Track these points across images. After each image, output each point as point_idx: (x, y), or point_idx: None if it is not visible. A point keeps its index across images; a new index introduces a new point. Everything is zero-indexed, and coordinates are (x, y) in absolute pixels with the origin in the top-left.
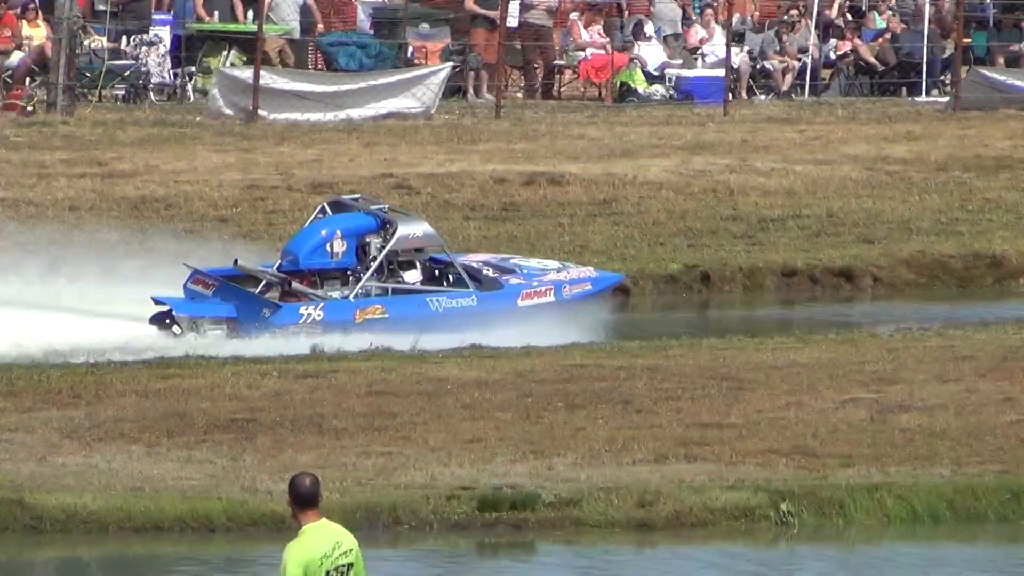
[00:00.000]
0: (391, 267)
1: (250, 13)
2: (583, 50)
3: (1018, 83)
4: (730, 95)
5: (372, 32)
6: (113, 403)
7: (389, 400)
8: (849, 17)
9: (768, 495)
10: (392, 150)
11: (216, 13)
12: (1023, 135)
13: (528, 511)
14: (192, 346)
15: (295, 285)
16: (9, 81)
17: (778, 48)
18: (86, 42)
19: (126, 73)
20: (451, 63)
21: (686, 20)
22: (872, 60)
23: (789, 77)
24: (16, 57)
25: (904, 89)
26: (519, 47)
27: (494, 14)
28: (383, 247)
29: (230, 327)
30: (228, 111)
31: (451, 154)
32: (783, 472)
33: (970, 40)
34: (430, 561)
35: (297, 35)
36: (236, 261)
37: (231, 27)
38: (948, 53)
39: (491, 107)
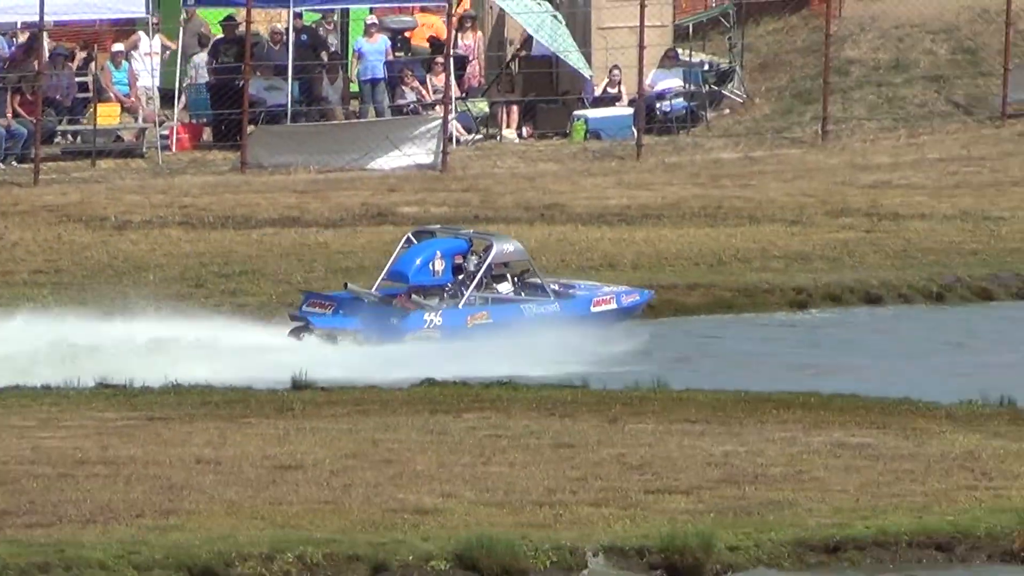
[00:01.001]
0: (486, 281)
1: None
2: None
3: None
4: None
5: None
6: None
7: None
8: None
9: None
10: None
11: None
12: None
13: None
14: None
15: (417, 300)
16: None
17: None
18: None
19: None
20: None
21: None
22: None
23: None
24: None
25: None
26: None
27: None
28: (480, 263)
29: (357, 337)
30: None
31: None
32: None
33: None
34: None
35: None
36: (346, 285)
37: None
38: None
39: None
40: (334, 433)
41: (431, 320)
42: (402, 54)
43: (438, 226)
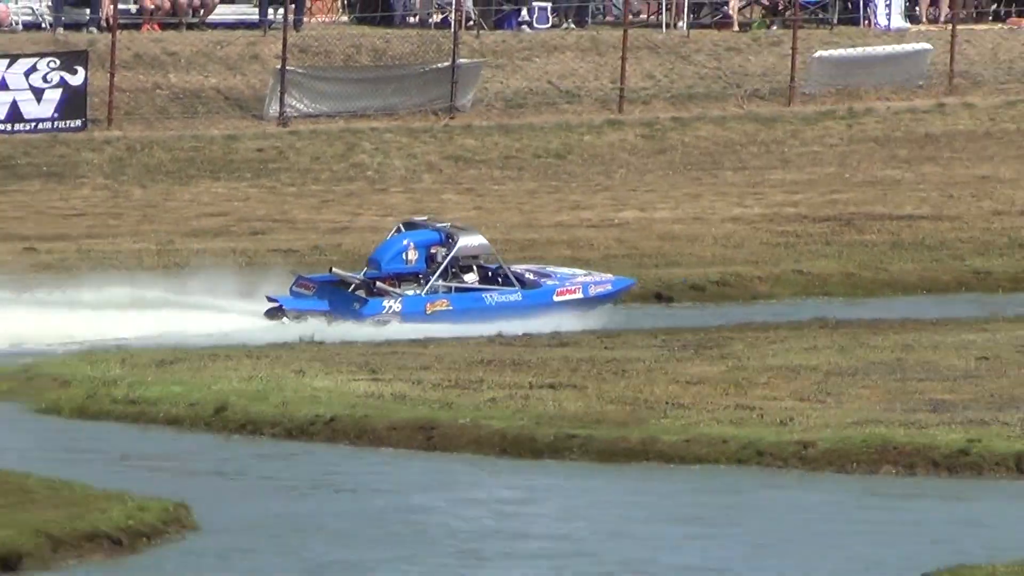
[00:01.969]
0: (454, 271)
1: None
2: None
3: None
4: None
5: None
6: None
7: None
8: None
9: None
10: None
11: None
12: None
13: None
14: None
15: (379, 285)
16: None
17: None
18: None
19: None
20: None
21: None
22: None
23: None
24: None
25: None
26: None
27: None
28: (447, 255)
29: (327, 318)
30: None
31: None
32: None
33: None
34: None
35: None
36: (331, 268)
37: None
38: None
39: None
40: None
41: (390, 306)
42: None
43: (425, 218)
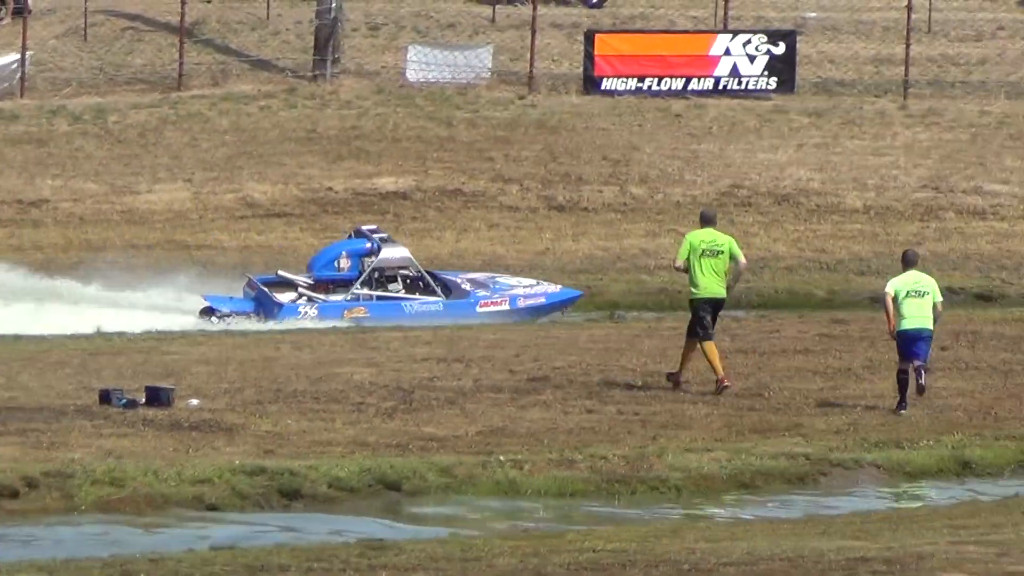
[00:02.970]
0: (379, 280)
1: None
2: None
3: None
4: None
5: None
6: None
7: None
8: None
9: None
10: None
11: None
12: None
13: None
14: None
15: (301, 290)
16: None
17: None
18: None
19: None
20: None
21: None
22: None
23: None
24: None
25: None
26: None
27: None
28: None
29: (253, 317)
30: None
31: None
32: None
33: None
34: None
35: None
36: (278, 272)
37: None
38: None
39: None
40: None
41: (305, 311)
42: None
43: (374, 226)
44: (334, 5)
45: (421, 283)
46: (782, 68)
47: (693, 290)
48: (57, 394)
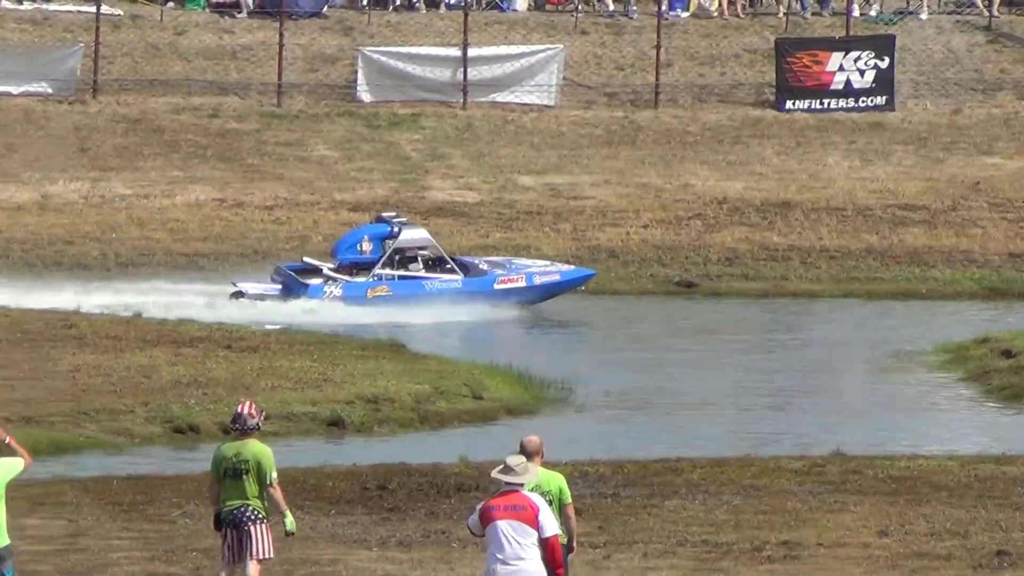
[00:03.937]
0: (399, 260)
1: None
2: None
3: None
4: None
5: None
6: None
7: None
8: None
9: None
10: None
11: None
12: None
13: None
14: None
15: (326, 271)
16: None
17: None
18: None
19: None
20: None
21: None
22: None
23: None
24: None
25: None
26: None
27: None
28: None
29: (281, 298)
30: None
31: None
32: None
33: None
34: None
35: None
36: (303, 258)
37: None
38: None
39: None
40: None
41: (331, 291)
42: None
43: (394, 214)
44: None
45: (441, 263)
46: None
47: None
48: None
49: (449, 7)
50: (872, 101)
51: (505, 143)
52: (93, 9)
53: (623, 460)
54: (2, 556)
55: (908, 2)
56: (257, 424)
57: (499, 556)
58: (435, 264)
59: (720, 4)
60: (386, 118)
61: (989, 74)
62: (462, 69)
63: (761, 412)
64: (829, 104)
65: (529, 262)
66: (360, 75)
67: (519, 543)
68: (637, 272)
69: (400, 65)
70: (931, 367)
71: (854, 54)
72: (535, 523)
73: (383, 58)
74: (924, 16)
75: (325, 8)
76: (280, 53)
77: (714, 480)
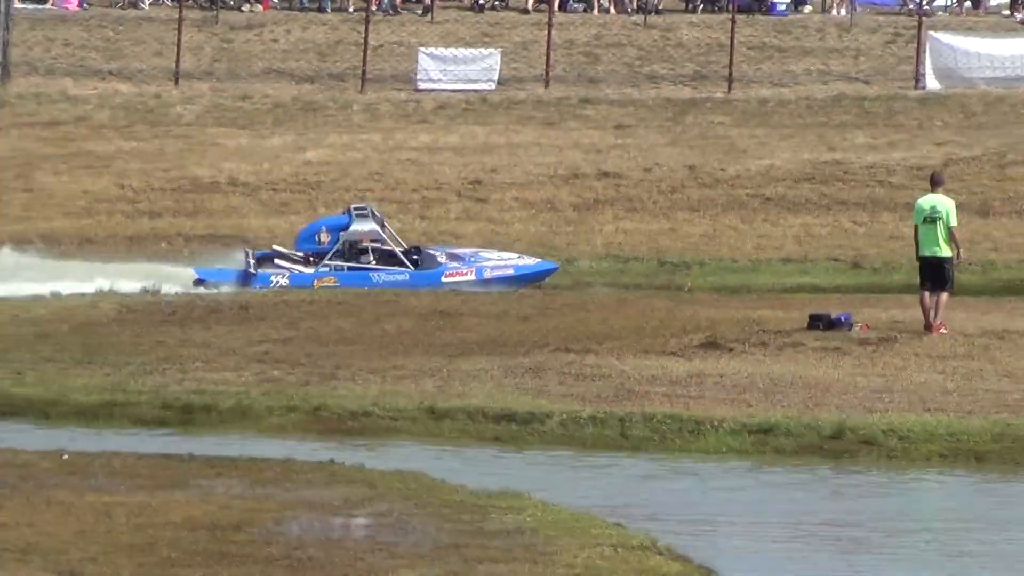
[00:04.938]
0: (350, 252)
1: None
2: None
3: None
4: None
5: None
6: None
7: None
8: None
9: None
10: None
11: None
12: None
13: None
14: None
15: (277, 261)
16: None
17: None
18: None
19: None
20: None
21: None
22: None
23: None
24: None
25: None
26: None
27: None
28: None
29: (236, 285)
30: None
31: None
32: None
33: None
34: None
35: None
36: (273, 247)
37: None
38: None
39: None
40: None
41: (277, 280)
42: None
43: (373, 205)
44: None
45: (393, 255)
46: None
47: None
48: None
49: None
50: None
51: None
52: None
53: None
54: None
55: None
56: None
57: None
58: (391, 256)
59: None
60: None
61: None
62: None
63: None
64: None
65: (495, 255)
66: None
67: None
68: None
69: None
70: None
71: None
72: None
73: None
74: None
75: None
76: None
77: None
